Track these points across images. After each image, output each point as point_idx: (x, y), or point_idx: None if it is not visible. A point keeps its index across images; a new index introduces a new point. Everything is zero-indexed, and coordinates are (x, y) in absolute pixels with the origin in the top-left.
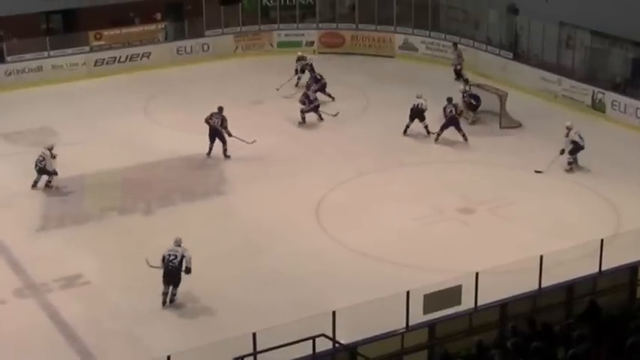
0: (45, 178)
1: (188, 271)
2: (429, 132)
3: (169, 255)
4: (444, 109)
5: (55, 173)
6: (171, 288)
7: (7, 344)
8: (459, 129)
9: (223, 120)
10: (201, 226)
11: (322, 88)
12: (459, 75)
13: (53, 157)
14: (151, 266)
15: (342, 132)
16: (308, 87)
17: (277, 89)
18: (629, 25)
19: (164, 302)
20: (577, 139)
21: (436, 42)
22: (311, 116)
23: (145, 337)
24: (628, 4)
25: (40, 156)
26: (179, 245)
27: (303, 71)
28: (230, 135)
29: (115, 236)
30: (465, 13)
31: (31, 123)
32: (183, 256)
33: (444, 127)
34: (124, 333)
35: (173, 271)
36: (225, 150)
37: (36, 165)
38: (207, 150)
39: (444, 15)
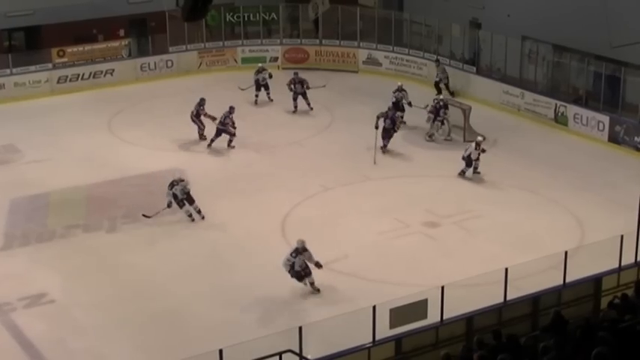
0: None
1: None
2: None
3: (287, 260)
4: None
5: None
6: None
7: None
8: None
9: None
10: (167, 242)
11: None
12: (439, 90)
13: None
14: None
15: (307, 147)
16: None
17: (242, 89)
18: (591, 39)
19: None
20: None
21: (400, 57)
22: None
23: (111, 355)
24: (589, 19)
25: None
26: (297, 254)
27: (264, 86)
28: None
29: (79, 254)
30: (428, 28)
31: None
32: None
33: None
34: (89, 351)
35: (292, 275)
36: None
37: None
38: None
39: (407, 30)
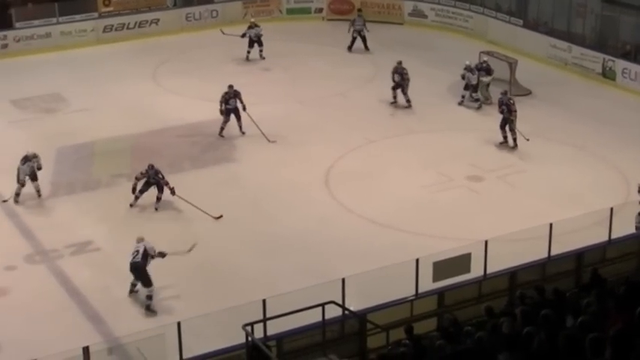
0: None
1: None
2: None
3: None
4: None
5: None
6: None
7: (19, 310)
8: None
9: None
10: (210, 192)
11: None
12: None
13: None
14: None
15: (350, 99)
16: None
17: (223, 32)
18: None
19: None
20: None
21: (445, 9)
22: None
23: (155, 304)
24: None
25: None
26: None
27: (258, 42)
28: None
29: (124, 203)
30: None
31: (40, 89)
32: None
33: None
34: (134, 299)
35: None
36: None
37: None
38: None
39: None
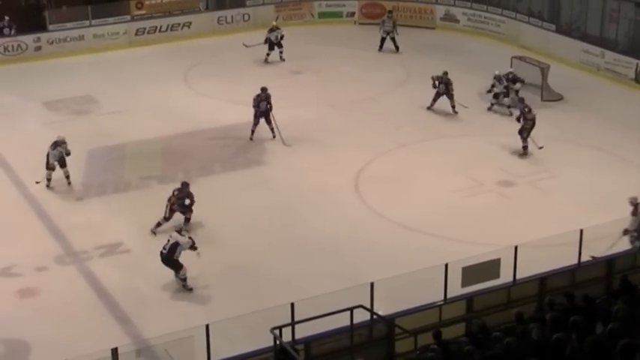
0: None
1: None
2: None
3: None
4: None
5: None
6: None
7: (48, 311)
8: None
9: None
10: (240, 195)
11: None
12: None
13: None
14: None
15: (381, 103)
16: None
17: (246, 45)
18: None
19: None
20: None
21: (478, 14)
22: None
23: (184, 306)
24: None
25: None
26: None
27: (278, 45)
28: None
29: (154, 205)
30: None
31: (73, 91)
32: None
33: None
34: (163, 301)
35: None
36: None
37: None
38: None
39: None
